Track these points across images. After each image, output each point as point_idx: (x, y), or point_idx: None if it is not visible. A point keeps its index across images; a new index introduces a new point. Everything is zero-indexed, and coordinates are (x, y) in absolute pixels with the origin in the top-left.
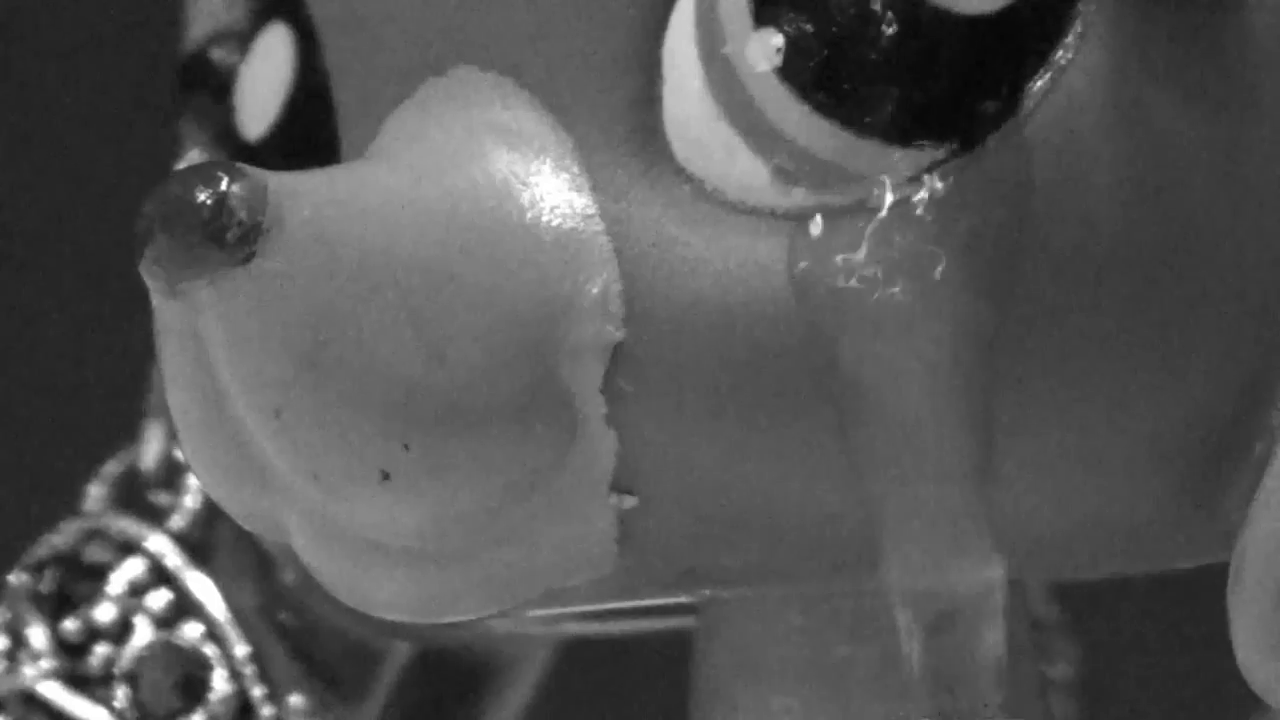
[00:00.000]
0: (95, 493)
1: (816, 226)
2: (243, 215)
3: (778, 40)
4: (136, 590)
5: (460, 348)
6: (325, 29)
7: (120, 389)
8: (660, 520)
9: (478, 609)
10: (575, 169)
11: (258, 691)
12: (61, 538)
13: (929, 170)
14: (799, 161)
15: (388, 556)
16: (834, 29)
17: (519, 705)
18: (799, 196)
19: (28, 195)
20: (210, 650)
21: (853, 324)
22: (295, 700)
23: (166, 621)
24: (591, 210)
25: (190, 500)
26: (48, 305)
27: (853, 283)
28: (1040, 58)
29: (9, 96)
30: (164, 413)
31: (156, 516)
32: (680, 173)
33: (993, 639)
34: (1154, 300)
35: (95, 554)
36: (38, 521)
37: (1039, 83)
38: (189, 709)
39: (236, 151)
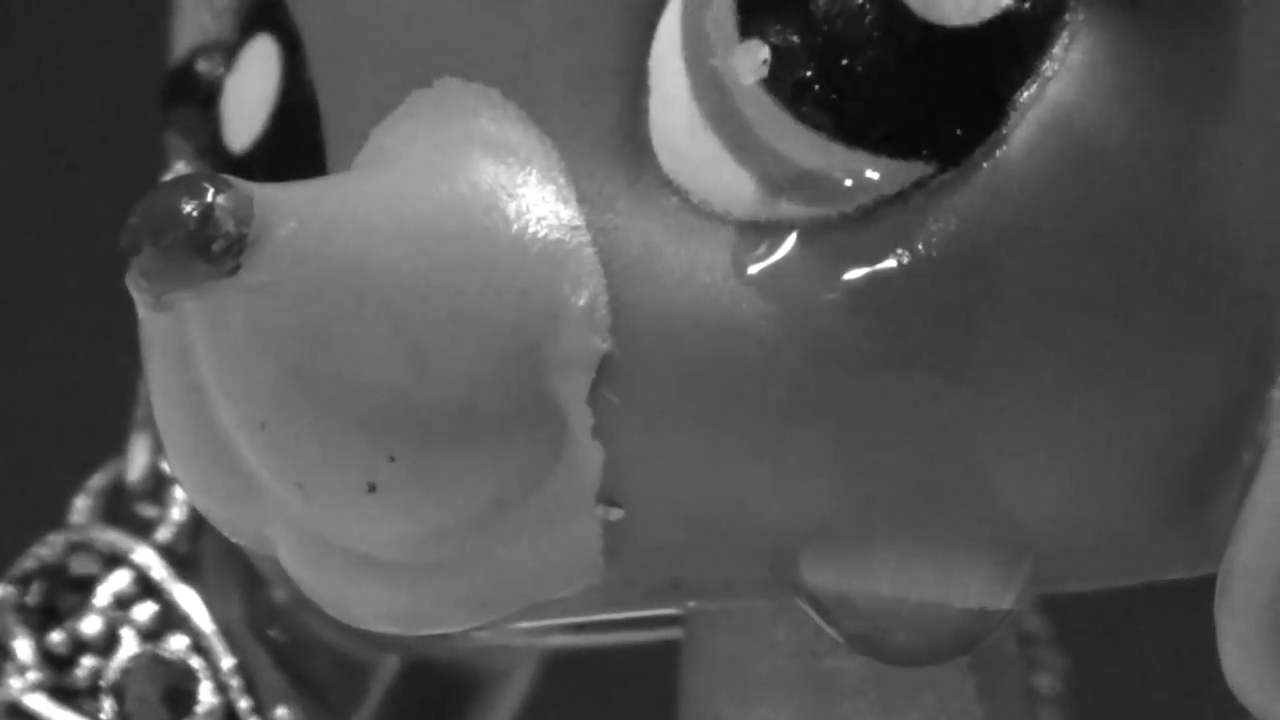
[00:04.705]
0: (81, 505)
1: (801, 239)
2: (228, 227)
3: (764, 52)
4: (122, 603)
5: (446, 359)
6: (311, 41)
7: (107, 402)
8: (647, 532)
9: (464, 621)
10: (562, 180)
11: (244, 704)
12: (47, 550)
13: (915, 182)
14: (785, 173)
15: (374, 568)
16: (820, 40)
17: (506, 717)
18: (785, 208)
19: (14, 207)
20: (196, 663)
21: (837, 335)
22: (281, 713)
23: (152, 634)
24: (578, 221)
25: (176, 513)
26: (34, 317)
27: (836, 295)
28: (1027, 69)
29: None
30: (150, 425)
31: (143, 529)
32: (667, 184)
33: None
34: (1141, 311)
35: (81, 566)
36: (24, 534)
37: (1025, 94)
38: None
39: (222, 163)
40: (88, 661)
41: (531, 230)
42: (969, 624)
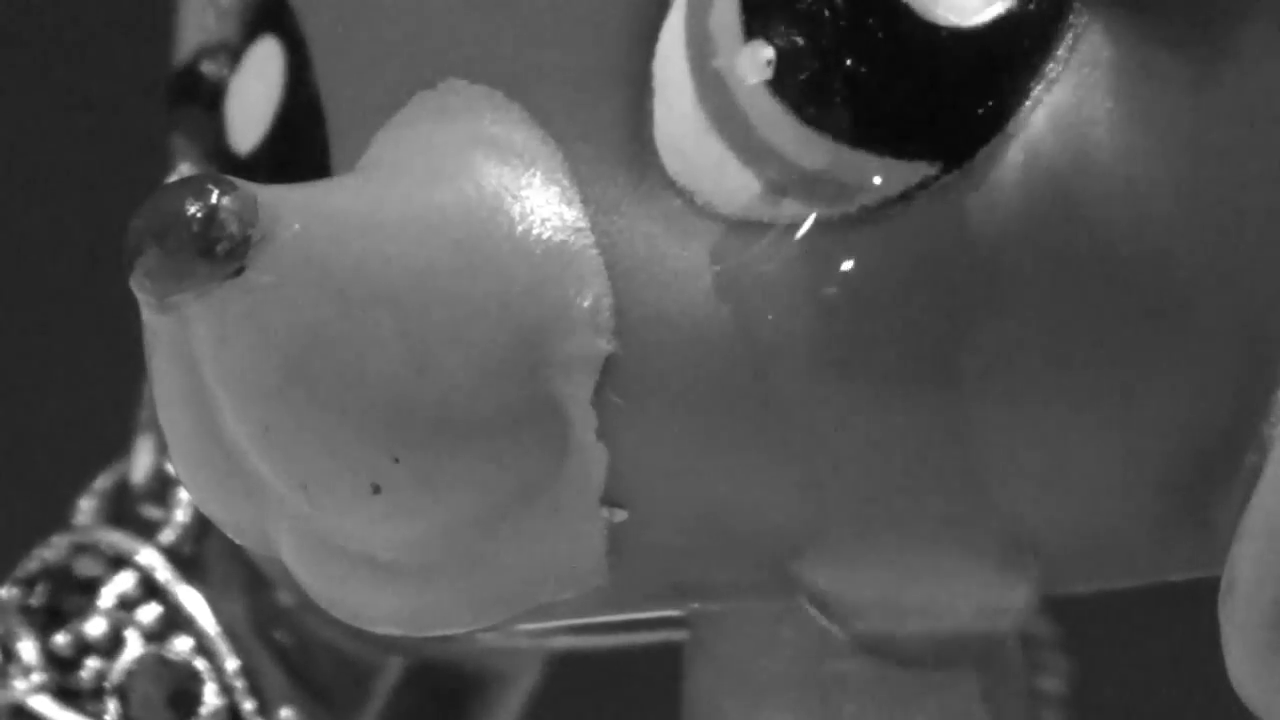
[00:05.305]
0: (86, 507)
1: (805, 239)
2: (233, 228)
3: (768, 53)
4: (127, 604)
5: (450, 361)
6: (316, 42)
7: (111, 403)
8: (651, 534)
9: (468, 622)
10: (566, 182)
11: (248, 705)
12: (52, 552)
13: (919, 183)
14: (789, 174)
15: (378, 570)
16: (825, 42)
17: (510, 719)
18: (789, 209)
19: (18, 208)
20: (201, 664)
21: (840, 336)
22: (286, 714)
23: (157, 635)
24: (582, 223)
25: (181, 514)
26: (38, 319)
27: (840, 296)
28: (1031, 71)
29: None
30: (154, 426)
31: (147, 530)
32: (671, 185)
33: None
34: (1144, 312)
35: (86, 568)
36: (28, 536)
37: (1029, 96)
38: None
39: (227, 165)
40: (92, 663)
41: (535, 232)
42: (974, 625)
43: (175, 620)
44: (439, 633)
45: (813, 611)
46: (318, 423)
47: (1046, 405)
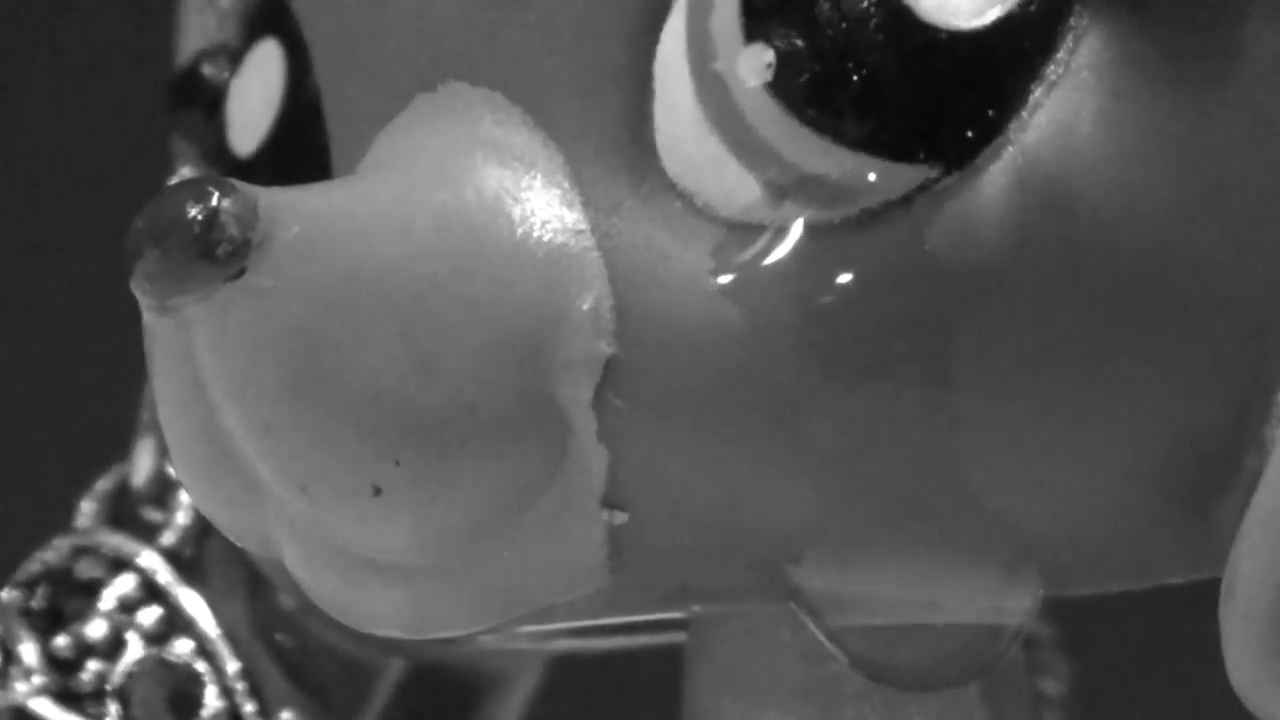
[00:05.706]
0: (87, 509)
1: (805, 242)
2: (233, 231)
3: (769, 55)
4: (128, 607)
5: (451, 363)
6: (317, 45)
7: (112, 405)
8: (651, 536)
9: (468, 625)
10: (566, 184)
11: (249, 708)
12: (53, 554)
13: (919, 186)
14: (789, 176)
15: (379, 572)
16: (825, 44)
17: None
18: (789, 211)
19: (20, 211)
20: (201, 667)
21: (838, 339)
22: (286, 717)
23: (158, 638)
24: (582, 225)
25: (181, 516)
26: (39, 321)
27: (838, 298)
28: (1031, 73)
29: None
30: (155, 429)
31: (148, 533)
32: (671, 188)
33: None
34: (1142, 315)
35: (87, 570)
36: (29, 538)
37: (1030, 98)
38: None
39: (228, 167)
40: (93, 665)
41: (536, 234)
42: (976, 640)
43: (176, 622)
44: (440, 635)
45: (812, 627)
46: (318, 425)
47: (1045, 409)
